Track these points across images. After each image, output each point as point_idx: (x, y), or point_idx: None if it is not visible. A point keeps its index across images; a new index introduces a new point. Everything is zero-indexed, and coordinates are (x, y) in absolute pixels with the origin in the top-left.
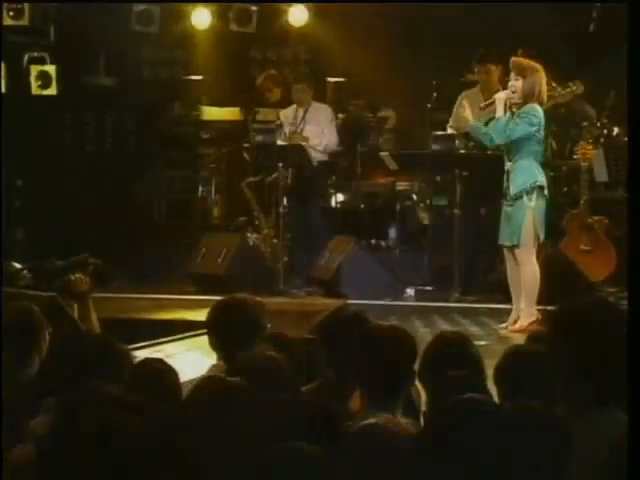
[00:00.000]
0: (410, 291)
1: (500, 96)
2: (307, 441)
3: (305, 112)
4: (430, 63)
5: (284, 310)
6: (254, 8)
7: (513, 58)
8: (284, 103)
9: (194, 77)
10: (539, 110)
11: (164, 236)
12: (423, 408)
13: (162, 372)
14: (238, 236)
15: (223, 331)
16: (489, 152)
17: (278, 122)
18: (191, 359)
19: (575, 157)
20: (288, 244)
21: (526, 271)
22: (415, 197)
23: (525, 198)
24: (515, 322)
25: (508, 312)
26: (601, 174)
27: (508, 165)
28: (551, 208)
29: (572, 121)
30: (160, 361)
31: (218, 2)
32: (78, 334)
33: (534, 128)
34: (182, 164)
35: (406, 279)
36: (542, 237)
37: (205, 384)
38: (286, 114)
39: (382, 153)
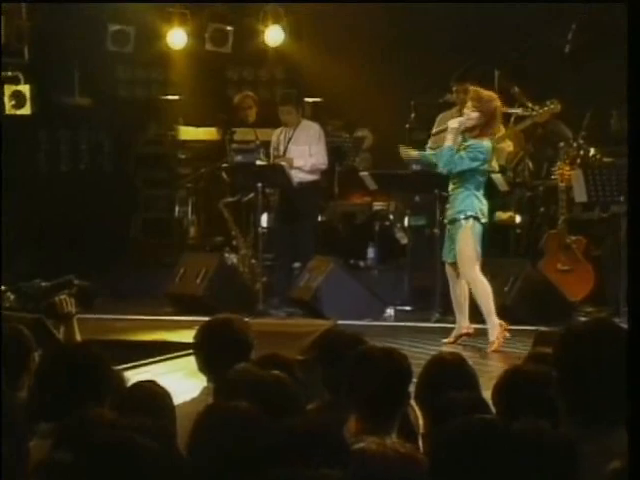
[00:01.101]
0: (390, 311)
1: (453, 125)
2: (317, 464)
3: (293, 132)
4: (408, 83)
5: (269, 331)
6: (229, 28)
7: (471, 88)
8: (261, 123)
9: (171, 97)
10: (485, 146)
11: (140, 256)
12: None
13: (156, 395)
14: (217, 256)
15: (211, 351)
16: None
17: (257, 142)
18: (174, 381)
19: (553, 177)
20: (268, 264)
21: (475, 287)
22: (392, 217)
23: (462, 222)
24: (457, 337)
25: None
26: (580, 195)
27: (450, 189)
28: (530, 227)
29: (549, 141)
30: (154, 383)
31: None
32: (67, 355)
33: (478, 163)
34: (159, 184)
35: (385, 299)
36: (480, 255)
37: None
38: (276, 134)
39: (362, 173)
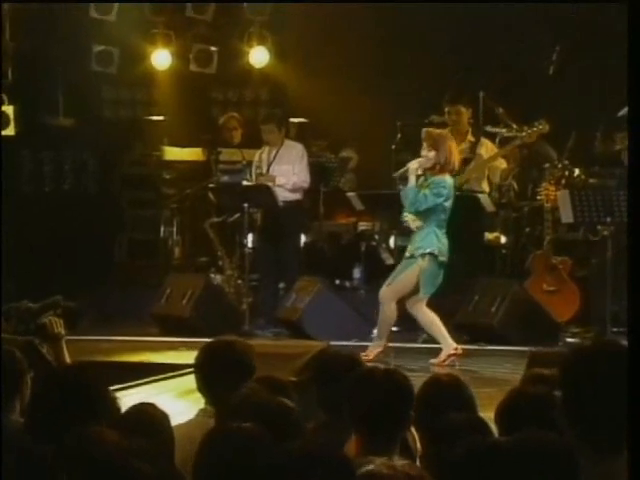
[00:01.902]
0: (376, 332)
1: (413, 166)
2: None
3: (276, 152)
4: (394, 104)
5: (261, 353)
6: (214, 49)
7: (424, 129)
8: (246, 144)
9: (155, 117)
10: (447, 182)
11: (126, 277)
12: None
13: (155, 417)
14: (203, 277)
15: (212, 373)
16: (457, 193)
17: (244, 162)
18: (164, 403)
19: (539, 198)
20: (253, 284)
21: (422, 320)
22: (377, 237)
23: (418, 258)
24: (375, 353)
25: (476, 353)
26: (567, 215)
27: (415, 226)
28: (515, 248)
29: (534, 162)
30: (152, 405)
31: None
32: (64, 377)
33: (441, 199)
34: (144, 204)
35: (372, 320)
36: (429, 293)
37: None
38: (260, 154)
39: (349, 193)
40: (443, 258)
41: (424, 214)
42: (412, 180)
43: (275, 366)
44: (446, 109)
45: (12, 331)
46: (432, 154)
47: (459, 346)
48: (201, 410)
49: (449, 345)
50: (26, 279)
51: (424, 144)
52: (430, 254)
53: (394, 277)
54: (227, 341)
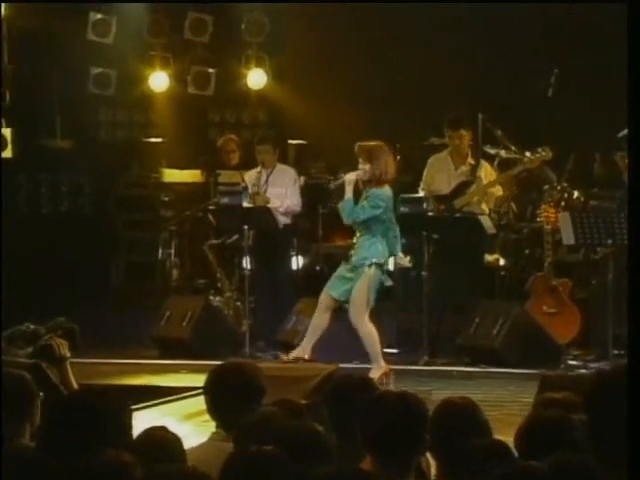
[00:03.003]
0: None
1: (349, 178)
2: None
3: (269, 174)
4: (392, 126)
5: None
6: (212, 71)
7: (358, 144)
8: (244, 166)
9: (153, 139)
10: (385, 193)
11: (123, 299)
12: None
13: (168, 441)
14: (202, 299)
15: (221, 396)
16: (457, 215)
17: (243, 184)
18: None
19: (539, 220)
20: (252, 306)
21: (363, 332)
22: None
23: (365, 268)
24: (297, 357)
25: (478, 375)
26: (568, 237)
27: (356, 237)
28: (514, 270)
29: (533, 184)
30: (165, 429)
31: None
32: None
33: (379, 211)
34: (141, 226)
35: None
36: (374, 303)
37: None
38: (250, 175)
39: None
40: (386, 267)
41: (366, 225)
42: (348, 191)
43: (284, 389)
44: (448, 133)
45: (16, 354)
46: (367, 167)
47: (389, 366)
48: (213, 433)
49: (381, 366)
50: (23, 301)
51: (360, 158)
52: (376, 264)
53: (343, 290)
54: (236, 364)
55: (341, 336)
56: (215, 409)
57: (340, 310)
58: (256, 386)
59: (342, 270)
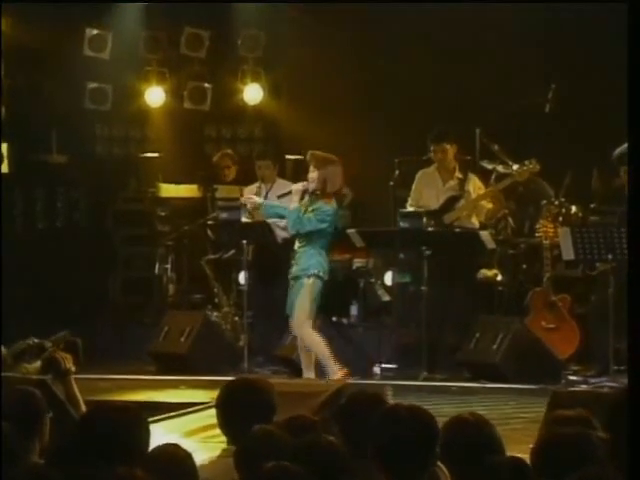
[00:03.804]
0: (376, 369)
1: (297, 187)
2: None
3: (269, 189)
4: (388, 141)
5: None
6: (208, 86)
7: (309, 152)
8: (241, 181)
9: (150, 154)
10: (332, 209)
11: (120, 314)
12: None
13: (179, 457)
14: (201, 314)
15: (233, 412)
16: (457, 230)
17: (242, 199)
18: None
19: (537, 235)
20: (250, 321)
21: (308, 342)
22: (372, 274)
23: (304, 279)
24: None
25: (479, 391)
26: (568, 252)
27: (297, 246)
28: (512, 285)
29: (530, 199)
30: (176, 446)
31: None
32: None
33: (324, 224)
34: (138, 241)
35: (373, 357)
36: (315, 312)
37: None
38: (250, 190)
39: (349, 230)
40: (326, 278)
41: (308, 236)
42: (295, 201)
43: (291, 405)
44: (431, 147)
45: (25, 368)
46: (314, 175)
47: (346, 370)
48: (224, 450)
49: (335, 371)
50: (21, 317)
51: (310, 166)
52: (316, 275)
53: (291, 306)
54: (249, 379)
55: (341, 351)
56: (227, 425)
57: (340, 326)
58: (268, 402)
59: (290, 287)
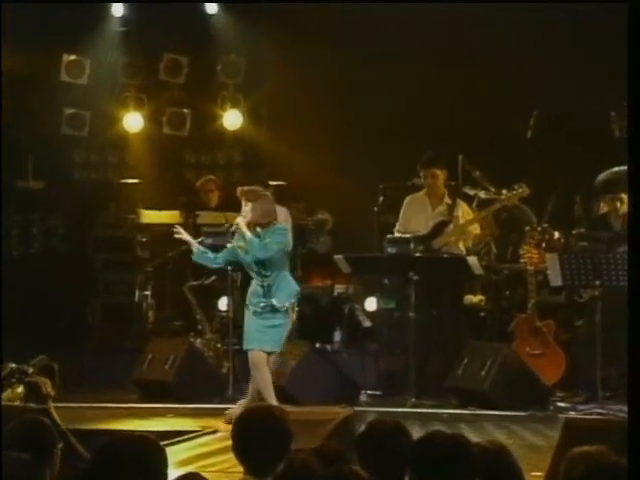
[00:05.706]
0: (362, 396)
1: (239, 221)
2: None
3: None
4: (369, 166)
5: None
6: (187, 111)
7: (239, 188)
8: (223, 207)
9: (129, 180)
10: (284, 228)
11: (100, 340)
12: None
13: None
14: (185, 342)
15: (251, 441)
16: (445, 255)
17: (227, 225)
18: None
19: (522, 261)
20: (234, 348)
21: (261, 377)
22: (353, 299)
23: (289, 310)
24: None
25: (467, 418)
26: (555, 278)
27: (266, 280)
28: (495, 311)
29: (513, 225)
30: (197, 475)
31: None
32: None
33: (282, 244)
34: (119, 267)
35: (358, 383)
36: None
37: None
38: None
39: (336, 256)
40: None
41: (274, 262)
42: (247, 232)
43: (299, 432)
44: (421, 173)
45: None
46: (248, 208)
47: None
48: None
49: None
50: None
51: (242, 200)
52: (291, 302)
53: (275, 339)
54: (265, 407)
55: (328, 377)
56: (244, 454)
57: (324, 352)
58: (285, 430)
59: (256, 320)
